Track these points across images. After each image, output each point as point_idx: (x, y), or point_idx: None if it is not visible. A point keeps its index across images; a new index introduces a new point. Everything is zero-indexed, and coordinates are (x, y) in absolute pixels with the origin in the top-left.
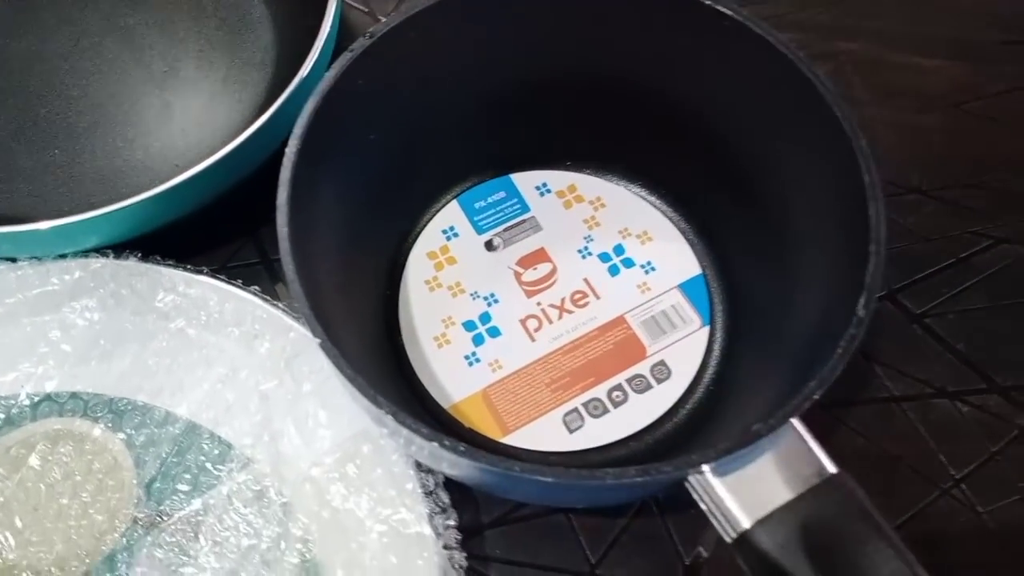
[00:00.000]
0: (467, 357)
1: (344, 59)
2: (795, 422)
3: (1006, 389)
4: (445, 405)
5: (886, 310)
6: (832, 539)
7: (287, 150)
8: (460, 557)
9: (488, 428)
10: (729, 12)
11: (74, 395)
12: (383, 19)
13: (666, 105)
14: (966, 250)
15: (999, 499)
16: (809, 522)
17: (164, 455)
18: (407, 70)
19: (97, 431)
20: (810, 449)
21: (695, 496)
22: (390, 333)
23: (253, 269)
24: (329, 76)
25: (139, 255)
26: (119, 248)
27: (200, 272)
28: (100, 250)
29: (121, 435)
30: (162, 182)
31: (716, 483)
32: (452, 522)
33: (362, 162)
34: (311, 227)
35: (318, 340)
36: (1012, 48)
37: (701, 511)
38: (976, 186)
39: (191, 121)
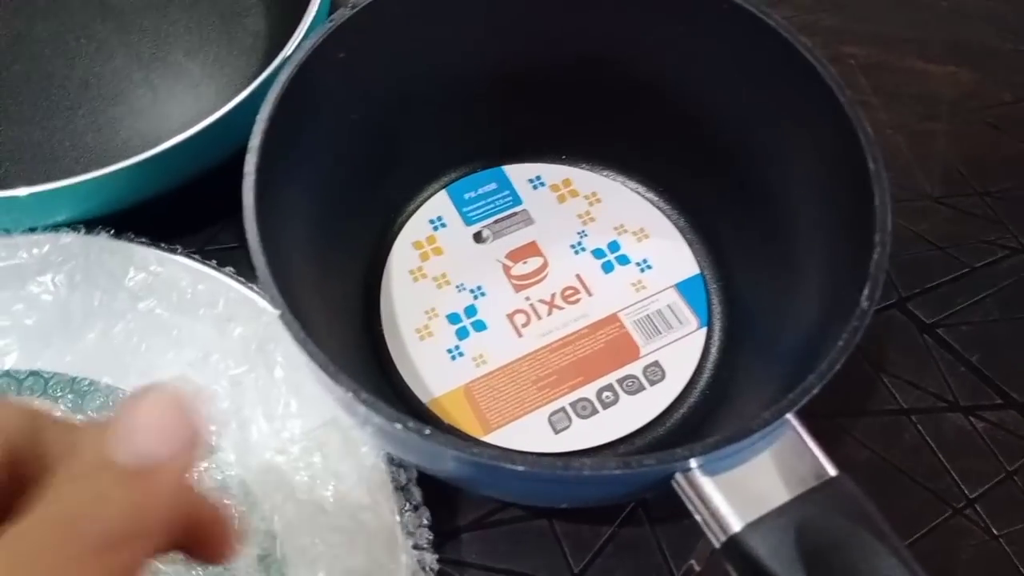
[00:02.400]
0: (450, 351)
1: (323, 29)
2: (793, 420)
3: (1023, 405)
4: (425, 400)
5: (896, 319)
6: (830, 545)
7: (258, 116)
8: (431, 559)
9: (469, 425)
10: None
11: (34, 373)
12: None
13: (665, 97)
14: (980, 260)
15: (1016, 522)
16: (805, 526)
17: None
18: (393, 46)
19: (57, 412)
20: (808, 449)
21: (682, 496)
22: (370, 323)
23: (232, 254)
24: (306, 46)
25: (111, 231)
26: (91, 224)
27: (174, 251)
28: (72, 225)
29: (82, 417)
30: None
31: (705, 481)
32: (425, 521)
33: (342, 140)
34: (282, 199)
35: (278, 311)
36: (1020, 54)
37: (693, 520)
38: (989, 194)
39: (177, 104)
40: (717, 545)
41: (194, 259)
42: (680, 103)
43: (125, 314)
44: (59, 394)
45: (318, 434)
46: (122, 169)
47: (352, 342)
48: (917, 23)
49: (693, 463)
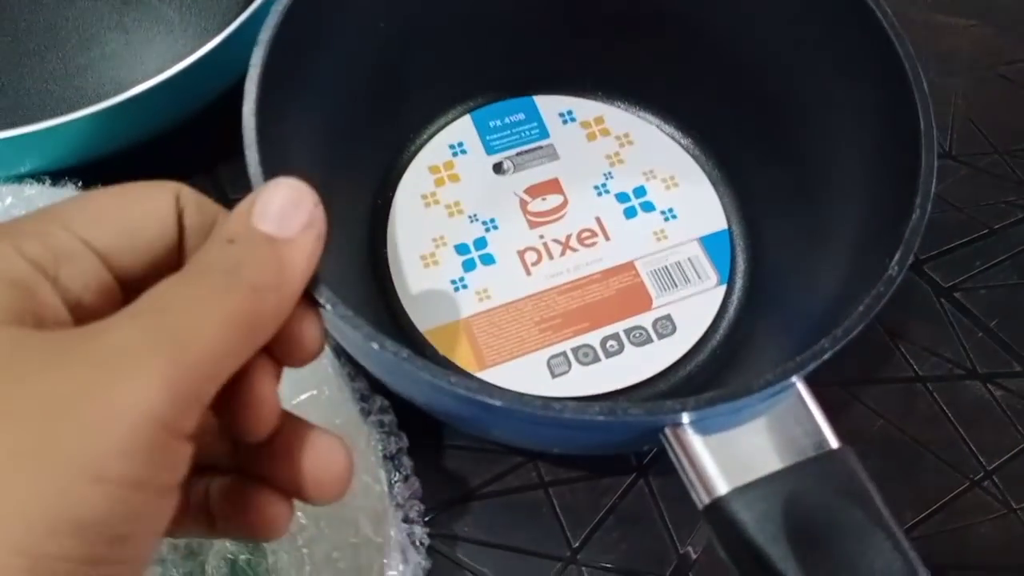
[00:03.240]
0: (454, 282)
1: None
2: (799, 384)
3: None
4: (422, 328)
5: (911, 282)
6: (819, 522)
7: (260, 35)
8: (422, 533)
9: (464, 359)
10: None
11: None
12: None
13: (710, 36)
14: (1000, 221)
15: None
16: (795, 498)
17: None
18: None
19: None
20: (811, 416)
21: (669, 452)
22: (374, 244)
23: None
24: None
25: (79, 183)
26: (58, 175)
27: None
28: (37, 176)
29: None
30: None
31: (695, 439)
32: (415, 493)
33: (362, 49)
34: (287, 119)
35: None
36: None
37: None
38: (1009, 153)
39: (152, 49)
40: (700, 507)
41: None
42: (727, 45)
43: None
44: None
45: (302, 403)
46: (91, 115)
47: (355, 262)
48: None
49: (684, 418)
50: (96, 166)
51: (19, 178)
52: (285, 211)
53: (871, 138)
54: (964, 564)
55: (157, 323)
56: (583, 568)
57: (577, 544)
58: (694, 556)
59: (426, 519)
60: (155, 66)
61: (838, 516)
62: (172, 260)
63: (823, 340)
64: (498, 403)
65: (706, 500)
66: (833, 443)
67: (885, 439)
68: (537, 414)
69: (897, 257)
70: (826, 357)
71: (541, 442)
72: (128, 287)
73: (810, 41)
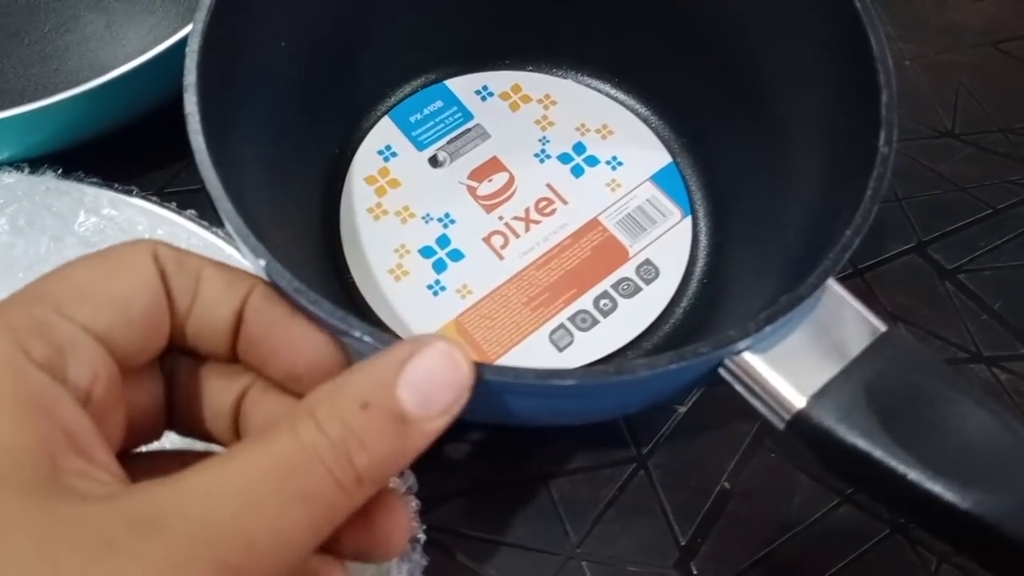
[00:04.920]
0: (430, 286)
1: None
2: (831, 281)
3: None
4: None
5: (914, 263)
6: (900, 399)
7: (186, 60)
8: (417, 529)
9: None
10: None
11: None
12: None
13: None
14: (1004, 201)
15: None
16: (872, 386)
17: None
18: None
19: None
20: (852, 307)
21: (734, 383)
22: (339, 272)
23: (195, 196)
24: None
25: (59, 170)
26: (37, 163)
27: (129, 193)
28: (15, 164)
29: None
30: None
31: (756, 362)
32: (410, 486)
33: (276, 76)
34: (232, 143)
35: (262, 262)
36: None
37: (698, 477)
38: (1014, 131)
39: (132, 31)
40: (781, 427)
41: (151, 201)
42: None
43: None
44: None
45: None
46: (70, 98)
47: (325, 296)
48: None
49: (745, 343)
50: (76, 152)
51: None
52: (438, 390)
53: (813, 33)
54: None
55: (227, 532)
56: (583, 563)
57: (578, 539)
58: (728, 488)
59: (421, 514)
60: (135, 48)
61: (916, 389)
62: (164, 328)
63: (847, 232)
64: (571, 382)
65: (787, 417)
66: (881, 326)
67: None
68: (611, 382)
69: (883, 136)
70: (855, 247)
71: (578, 415)
72: (128, 369)
73: None
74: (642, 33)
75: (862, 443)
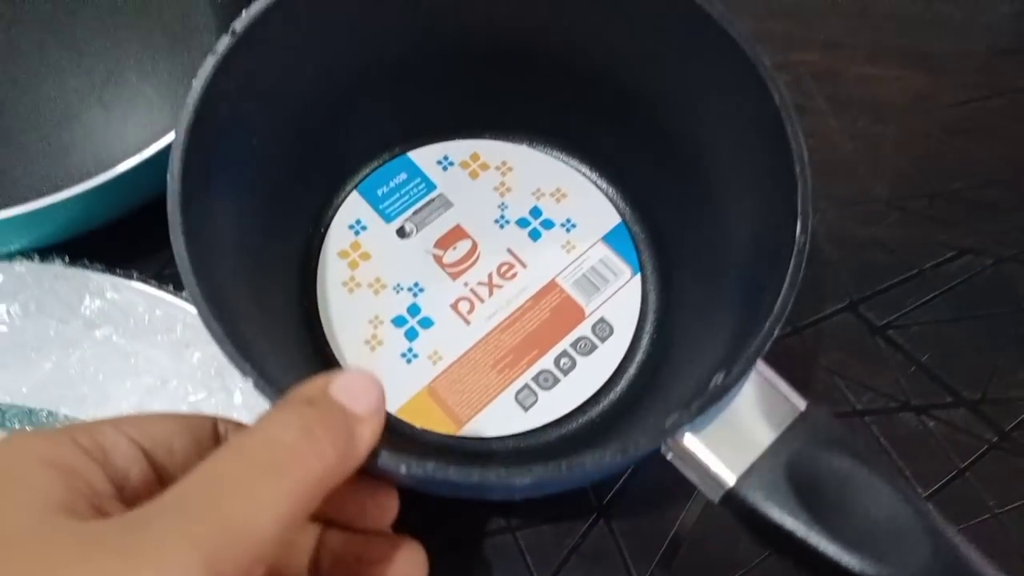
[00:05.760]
0: (404, 355)
1: (209, 63)
2: (759, 363)
3: (974, 403)
4: (392, 409)
5: (847, 322)
6: (817, 477)
7: (169, 166)
8: None
9: (440, 424)
10: None
11: None
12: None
13: (554, 57)
14: (930, 260)
15: (969, 518)
16: (792, 463)
17: None
18: (282, 60)
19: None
20: (776, 389)
21: (674, 462)
22: (317, 346)
23: None
24: (196, 86)
25: (66, 258)
26: (45, 252)
27: (130, 277)
28: (26, 253)
29: None
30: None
31: (693, 442)
32: None
33: (248, 169)
34: (208, 238)
35: (245, 375)
36: (968, 57)
37: (655, 526)
38: (940, 196)
39: (131, 126)
40: (716, 501)
41: (150, 284)
42: (572, 61)
43: (81, 342)
44: (16, 425)
45: None
46: (77, 195)
47: (303, 370)
48: (867, 29)
49: (681, 432)
50: (82, 239)
51: (9, 256)
52: (360, 391)
53: (736, 120)
54: None
55: (202, 514)
56: None
57: None
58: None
59: None
60: (135, 141)
61: (834, 469)
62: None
63: (766, 322)
64: (527, 481)
65: (720, 493)
66: (801, 404)
67: None
68: (562, 474)
69: (799, 227)
70: (775, 335)
71: (539, 492)
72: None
73: (657, 40)
74: (589, 107)
75: (786, 521)
